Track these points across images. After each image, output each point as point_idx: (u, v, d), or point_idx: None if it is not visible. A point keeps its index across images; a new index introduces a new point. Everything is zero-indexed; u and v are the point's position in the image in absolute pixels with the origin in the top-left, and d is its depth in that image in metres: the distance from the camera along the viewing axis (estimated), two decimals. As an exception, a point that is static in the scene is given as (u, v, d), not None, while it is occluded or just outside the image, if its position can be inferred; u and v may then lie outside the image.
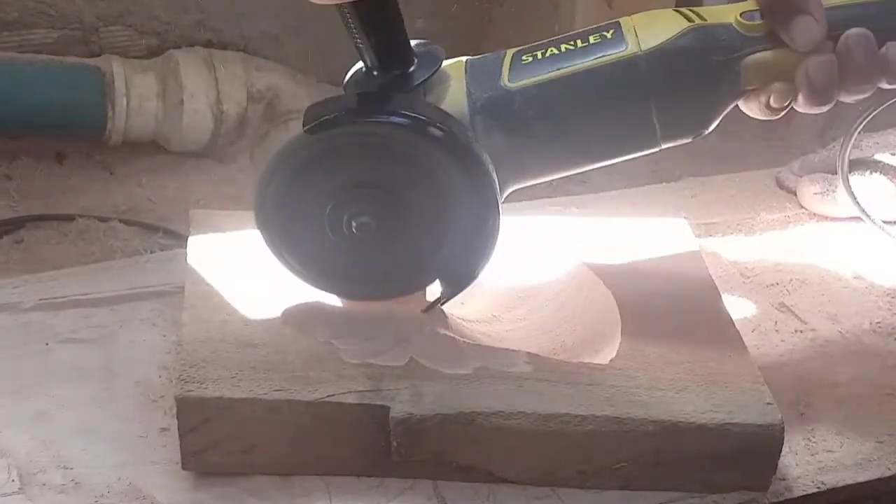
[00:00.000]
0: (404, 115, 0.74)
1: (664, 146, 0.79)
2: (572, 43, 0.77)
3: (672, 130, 0.78)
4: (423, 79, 0.77)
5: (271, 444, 0.75)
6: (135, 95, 1.16)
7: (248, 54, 1.24)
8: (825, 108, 0.77)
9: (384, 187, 0.76)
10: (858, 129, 1.04)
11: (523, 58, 0.78)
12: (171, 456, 0.76)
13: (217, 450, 0.75)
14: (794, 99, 0.77)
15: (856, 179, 1.07)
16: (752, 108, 0.79)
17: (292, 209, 0.77)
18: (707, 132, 0.78)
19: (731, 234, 1.06)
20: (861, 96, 0.77)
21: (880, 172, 1.09)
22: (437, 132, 0.74)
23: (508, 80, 0.77)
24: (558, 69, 0.76)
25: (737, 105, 0.79)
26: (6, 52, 1.18)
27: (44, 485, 0.75)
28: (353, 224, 0.77)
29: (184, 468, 0.76)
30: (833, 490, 0.79)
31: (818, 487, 0.79)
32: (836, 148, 1.10)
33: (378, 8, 0.74)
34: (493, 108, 0.77)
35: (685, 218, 0.98)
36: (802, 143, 1.24)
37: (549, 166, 0.80)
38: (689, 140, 0.79)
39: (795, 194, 1.12)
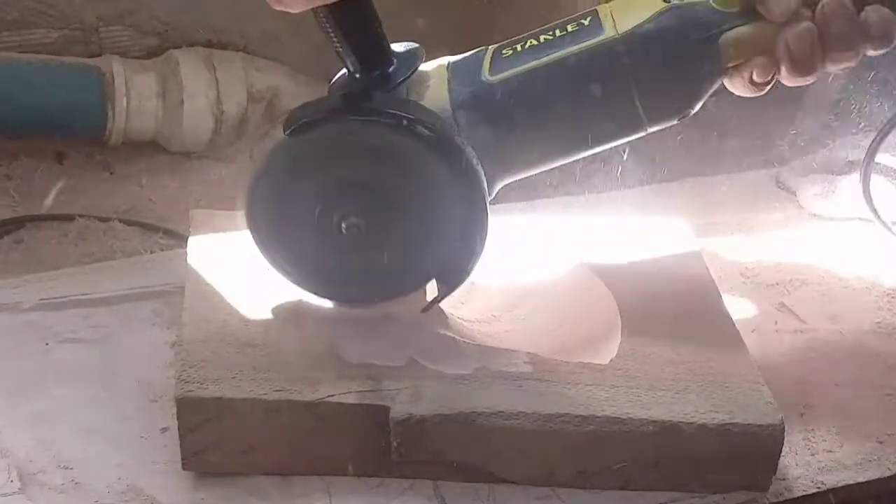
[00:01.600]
0: (385, 113, 0.74)
1: (651, 129, 0.78)
2: (551, 33, 0.77)
3: (656, 113, 0.77)
4: (403, 77, 0.77)
5: (271, 444, 0.75)
6: (135, 95, 1.16)
7: (248, 54, 1.24)
8: (810, 79, 0.76)
9: (371, 187, 0.76)
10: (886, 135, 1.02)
11: (503, 52, 0.78)
12: (172, 456, 0.76)
13: (217, 450, 0.75)
14: (778, 72, 0.76)
15: (856, 179, 1.07)
16: (736, 86, 0.78)
17: (281, 214, 0.77)
18: (693, 112, 0.78)
19: (731, 234, 1.06)
20: (846, 64, 0.76)
21: (880, 172, 1.09)
22: (420, 129, 0.74)
23: (489, 74, 0.77)
24: (537, 59, 0.76)
25: (723, 85, 0.78)
26: (6, 52, 1.18)
27: (44, 485, 0.75)
28: (343, 225, 0.77)
29: (184, 468, 0.76)
30: (833, 490, 0.79)
31: (818, 487, 0.79)
32: (836, 148, 1.11)
33: (353, 10, 0.74)
34: (475, 102, 0.77)
35: (685, 218, 0.98)
36: (802, 143, 1.24)
37: (537, 157, 0.80)
38: (676, 122, 0.78)
39: (795, 194, 1.12)
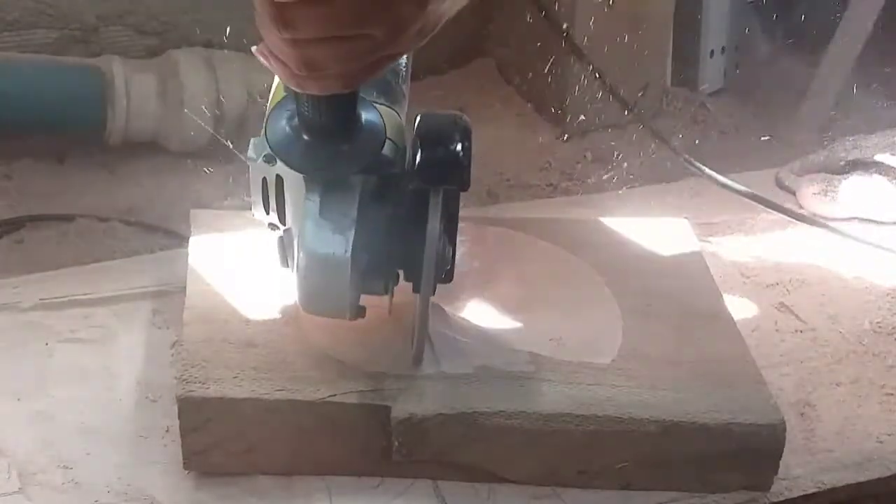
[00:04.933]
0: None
1: None
2: None
3: None
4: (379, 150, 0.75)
5: (272, 444, 0.75)
6: (135, 95, 1.16)
7: (248, 54, 1.24)
8: None
9: None
10: None
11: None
12: (172, 456, 0.76)
13: (218, 449, 0.75)
14: None
15: (856, 179, 1.08)
16: None
17: None
18: None
19: (731, 234, 1.06)
20: None
21: (880, 172, 1.09)
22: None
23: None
24: None
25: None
26: (6, 52, 1.18)
27: (44, 485, 0.75)
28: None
29: (185, 468, 0.76)
30: (833, 490, 0.79)
31: (818, 487, 0.79)
32: (836, 148, 1.11)
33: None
34: (389, 98, 0.77)
35: (686, 218, 0.98)
36: (802, 143, 1.24)
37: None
38: None
39: (795, 194, 1.12)
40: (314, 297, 0.74)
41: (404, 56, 0.78)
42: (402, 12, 0.60)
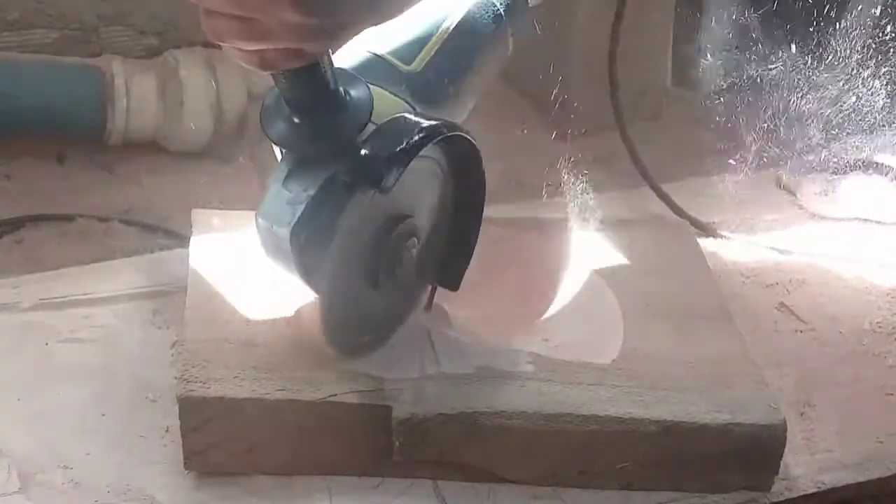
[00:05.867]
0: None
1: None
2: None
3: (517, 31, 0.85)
4: (369, 112, 0.74)
5: (273, 443, 0.75)
6: (135, 95, 1.16)
7: (247, 54, 1.24)
8: None
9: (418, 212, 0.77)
10: None
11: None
12: (173, 456, 0.76)
13: (219, 449, 0.75)
14: None
15: (856, 179, 1.08)
16: None
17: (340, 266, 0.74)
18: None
19: (731, 234, 1.06)
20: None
21: (880, 172, 1.09)
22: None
23: (409, 66, 0.78)
24: (438, 29, 0.79)
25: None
26: (6, 52, 1.18)
27: (44, 485, 0.75)
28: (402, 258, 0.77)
29: (186, 468, 0.76)
30: (833, 490, 0.79)
31: (818, 487, 0.79)
32: (836, 148, 1.11)
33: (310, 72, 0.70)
34: (420, 95, 0.77)
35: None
36: (802, 143, 1.24)
37: (468, 106, 0.83)
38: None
39: (795, 194, 1.12)
40: (271, 259, 0.75)
41: (455, 56, 0.80)
42: (286, 17, 0.60)
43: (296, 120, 0.72)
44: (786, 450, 0.77)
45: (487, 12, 0.83)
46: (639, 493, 0.77)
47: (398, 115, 0.74)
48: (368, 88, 0.74)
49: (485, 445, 0.75)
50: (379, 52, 0.78)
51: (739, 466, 0.77)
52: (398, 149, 0.71)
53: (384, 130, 0.73)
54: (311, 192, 0.72)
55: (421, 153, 0.72)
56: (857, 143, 1.12)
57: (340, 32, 0.65)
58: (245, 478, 0.76)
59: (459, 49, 0.81)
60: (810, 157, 1.15)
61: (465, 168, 0.79)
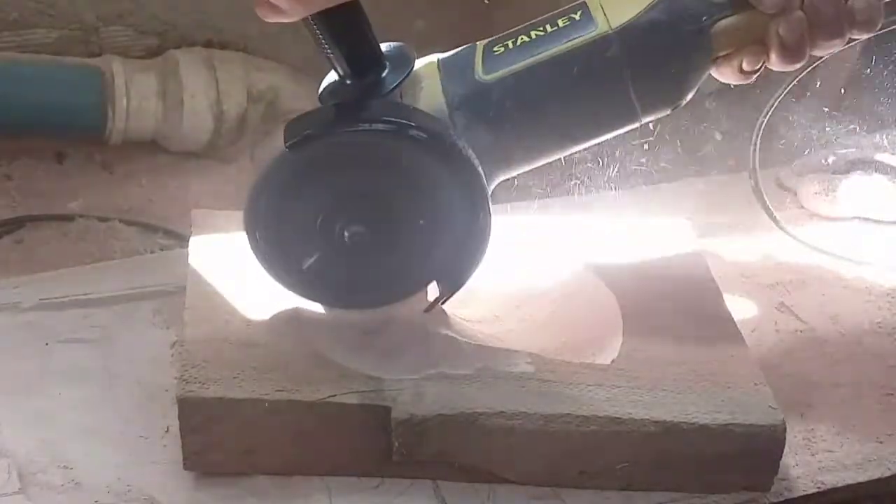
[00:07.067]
0: (385, 121, 0.74)
1: (644, 120, 0.79)
2: (542, 29, 0.77)
3: (650, 104, 0.77)
4: (397, 82, 0.76)
5: (273, 444, 0.75)
6: (135, 95, 1.16)
7: (248, 54, 1.24)
8: (799, 65, 0.77)
9: (373, 195, 0.76)
10: (778, 100, 1.01)
11: (495, 49, 0.78)
12: (172, 456, 0.76)
13: (218, 450, 0.75)
14: (767, 59, 0.77)
15: (856, 179, 1.08)
16: (725, 74, 0.79)
17: (283, 227, 0.77)
18: (684, 102, 0.79)
19: (731, 234, 1.06)
20: (833, 50, 0.77)
21: (880, 172, 1.09)
22: (420, 134, 0.74)
23: (483, 73, 0.77)
24: (532, 56, 0.76)
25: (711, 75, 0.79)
26: (6, 52, 1.18)
27: (44, 485, 0.75)
28: (346, 234, 0.76)
29: (185, 468, 0.75)
30: (833, 490, 0.79)
31: (818, 487, 0.79)
32: (836, 148, 1.11)
33: (344, 17, 0.73)
34: (472, 103, 0.76)
35: (687, 218, 0.98)
36: (802, 143, 1.24)
37: (535, 154, 0.80)
38: (669, 111, 0.79)
39: (795, 194, 1.12)
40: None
41: None
42: None
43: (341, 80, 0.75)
44: (785, 450, 0.77)
45: (605, 63, 0.75)
46: (639, 493, 0.77)
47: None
48: (409, 72, 0.75)
49: (484, 446, 0.75)
50: (480, 44, 0.78)
51: (739, 467, 0.77)
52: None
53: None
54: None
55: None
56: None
57: None
58: (245, 478, 0.76)
59: (540, 81, 0.76)
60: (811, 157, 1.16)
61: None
